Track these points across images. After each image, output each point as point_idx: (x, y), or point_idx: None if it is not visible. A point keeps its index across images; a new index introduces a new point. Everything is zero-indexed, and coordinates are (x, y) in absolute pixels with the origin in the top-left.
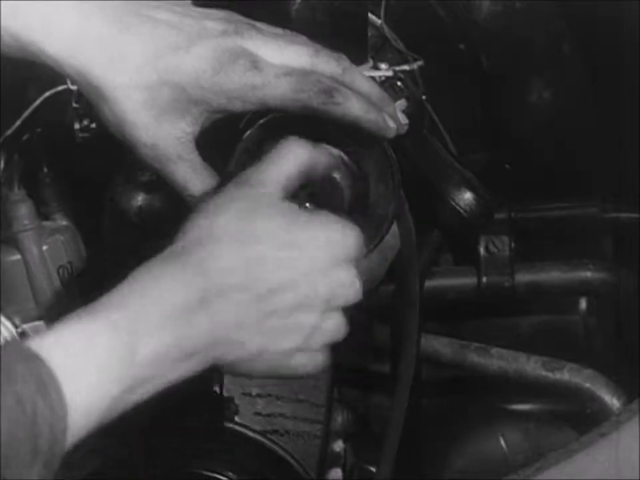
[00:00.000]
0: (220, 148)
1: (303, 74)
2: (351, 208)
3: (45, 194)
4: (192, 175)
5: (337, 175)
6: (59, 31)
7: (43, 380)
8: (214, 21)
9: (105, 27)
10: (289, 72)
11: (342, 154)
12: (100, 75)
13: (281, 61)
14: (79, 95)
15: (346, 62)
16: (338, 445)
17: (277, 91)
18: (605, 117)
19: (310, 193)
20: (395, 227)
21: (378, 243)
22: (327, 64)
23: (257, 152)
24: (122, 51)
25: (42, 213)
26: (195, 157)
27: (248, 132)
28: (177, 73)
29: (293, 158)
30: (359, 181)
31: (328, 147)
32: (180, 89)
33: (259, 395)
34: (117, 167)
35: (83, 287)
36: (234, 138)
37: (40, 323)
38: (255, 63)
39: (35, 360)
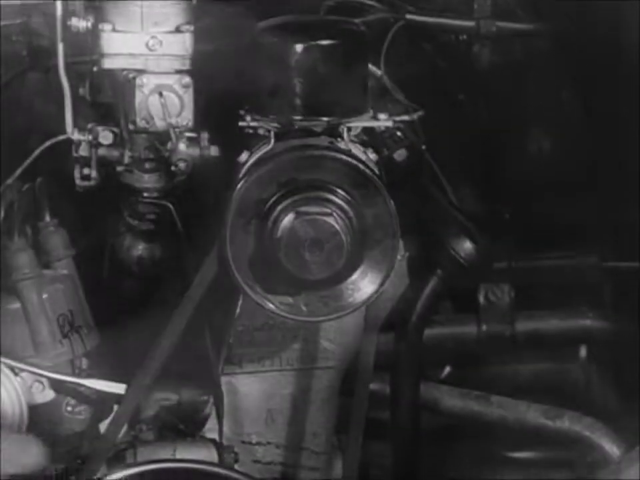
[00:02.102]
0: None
1: None
2: (351, 255)
3: (45, 243)
4: None
5: (337, 225)
6: None
7: None
8: None
9: None
10: None
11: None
12: None
13: None
14: (79, 145)
15: None
16: None
17: None
18: (604, 167)
19: (312, 243)
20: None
21: (379, 290)
22: None
23: None
24: None
25: (42, 262)
26: None
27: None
28: None
29: None
30: (358, 231)
31: None
32: None
33: (258, 443)
34: (118, 215)
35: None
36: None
37: (40, 372)
38: None
39: None
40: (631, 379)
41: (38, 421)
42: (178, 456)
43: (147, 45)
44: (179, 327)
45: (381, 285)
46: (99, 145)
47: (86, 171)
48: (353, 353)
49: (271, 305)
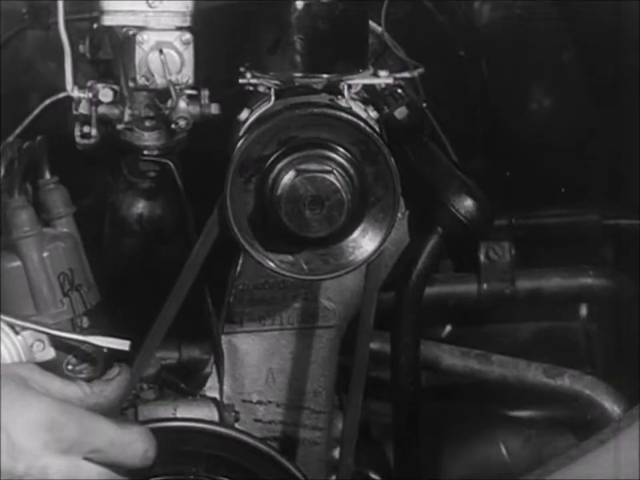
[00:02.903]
0: None
1: None
2: (352, 213)
3: (46, 201)
4: None
5: (337, 182)
6: None
7: None
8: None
9: None
10: None
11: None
12: None
13: None
14: (79, 102)
15: None
16: (338, 452)
17: None
18: (605, 125)
19: (313, 201)
20: (394, 235)
21: (380, 248)
22: None
23: None
24: None
25: (43, 220)
26: None
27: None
28: None
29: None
30: (359, 188)
31: None
32: None
33: (259, 402)
34: (118, 173)
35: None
36: None
37: (42, 329)
38: None
39: None
40: (631, 337)
41: None
42: (179, 415)
43: (147, 1)
44: (186, 287)
45: (382, 243)
46: (99, 102)
47: (86, 128)
48: (353, 312)
49: (271, 264)
